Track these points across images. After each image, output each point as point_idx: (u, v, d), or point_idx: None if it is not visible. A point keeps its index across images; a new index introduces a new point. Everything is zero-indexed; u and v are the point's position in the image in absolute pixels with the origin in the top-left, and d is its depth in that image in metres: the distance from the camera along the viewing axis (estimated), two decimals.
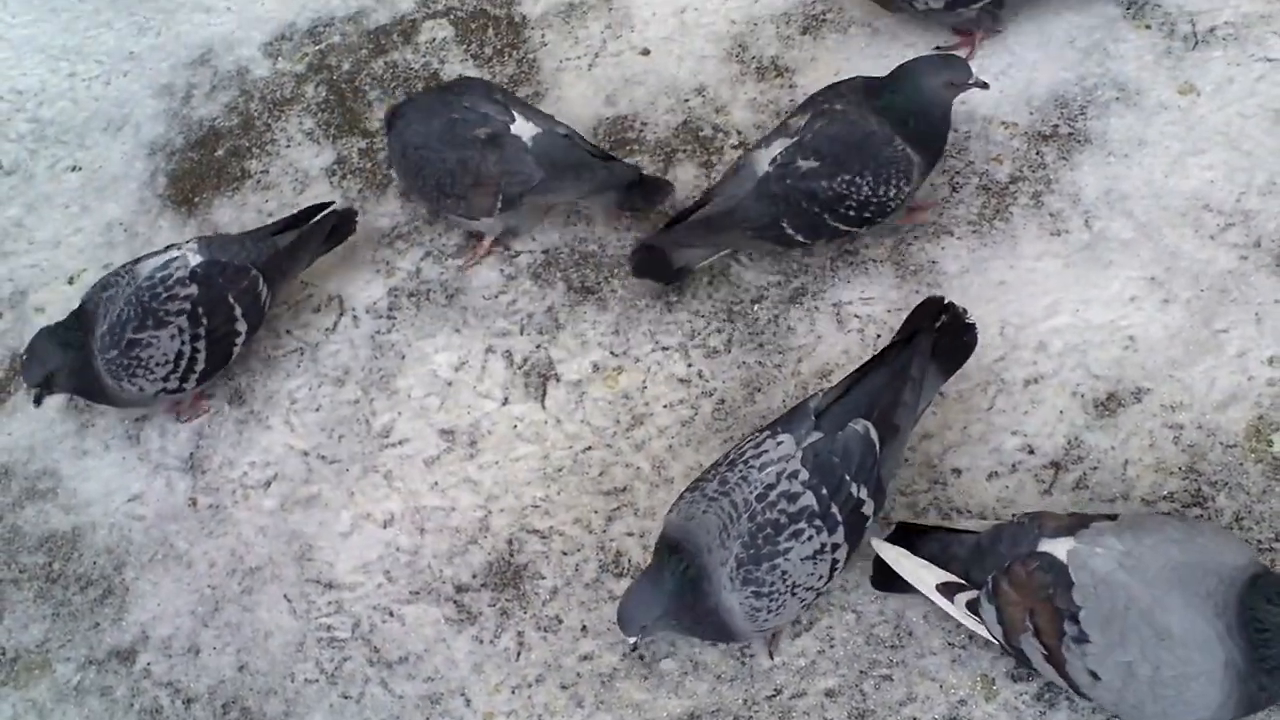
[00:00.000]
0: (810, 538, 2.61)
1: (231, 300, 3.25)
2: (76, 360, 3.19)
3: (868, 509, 2.68)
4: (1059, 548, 2.47)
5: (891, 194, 3.14)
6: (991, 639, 2.60)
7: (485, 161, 3.31)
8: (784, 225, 3.17)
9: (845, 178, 3.11)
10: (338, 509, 3.22)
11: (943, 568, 2.64)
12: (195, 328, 3.21)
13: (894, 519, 2.88)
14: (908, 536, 2.73)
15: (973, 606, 2.58)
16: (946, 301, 2.86)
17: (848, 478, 2.64)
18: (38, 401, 3.26)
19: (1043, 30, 3.58)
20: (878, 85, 3.20)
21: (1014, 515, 2.72)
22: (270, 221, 3.51)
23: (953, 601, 2.62)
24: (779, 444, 2.67)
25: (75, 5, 4.42)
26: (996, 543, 2.59)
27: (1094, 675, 2.42)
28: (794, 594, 2.64)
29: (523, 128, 3.33)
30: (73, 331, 3.21)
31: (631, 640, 2.67)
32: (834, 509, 2.62)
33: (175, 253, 3.25)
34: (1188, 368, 3.02)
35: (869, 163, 3.11)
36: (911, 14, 3.61)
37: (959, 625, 2.76)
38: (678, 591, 2.61)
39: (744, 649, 2.85)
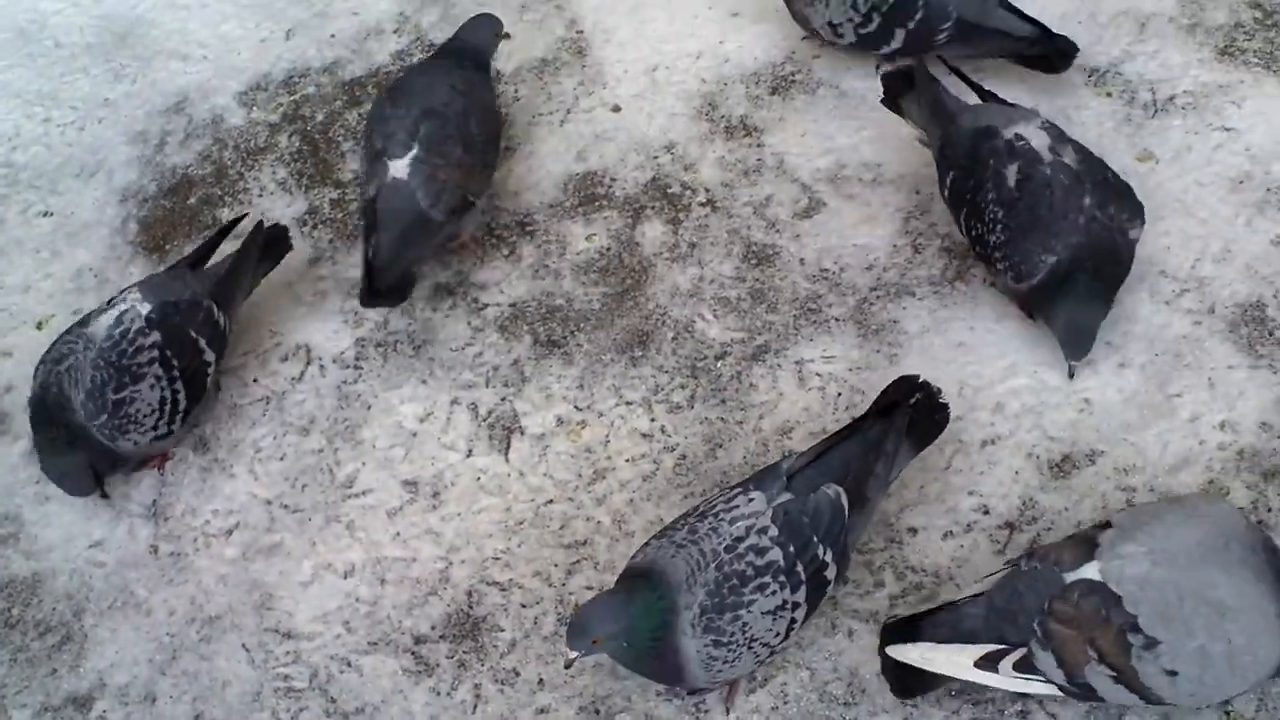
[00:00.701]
0: (774, 592, 2.64)
1: (194, 334, 3.28)
2: (83, 444, 3.20)
3: (830, 573, 2.72)
4: (1089, 571, 2.52)
5: None
6: (1048, 688, 2.60)
7: None
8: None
9: None
10: (299, 558, 3.23)
11: (969, 643, 2.64)
12: (169, 371, 3.24)
13: (886, 616, 2.86)
14: (911, 631, 2.71)
15: (1023, 665, 2.59)
16: (921, 380, 2.92)
17: (815, 539, 2.68)
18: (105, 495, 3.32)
19: (1007, 95, 3.62)
20: None
21: (1007, 563, 2.74)
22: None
23: (998, 671, 2.61)
24: (750, 500, 2.71)
25: (52, 51, 4.45)
26: (1017, 596, 2.61)
27: (1171, 674, 2.47)
28: (750, 648, 2.66)
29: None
30: (58, 428, 3.20)
31: (574, 654, 2.64)
32: (799, 568, 2.66)
33: (123, 305, 3.26)
34: (1141, 431, 3.06)
35: None
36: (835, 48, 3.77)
37: None
38: (644, 614, 2.61)
39: (699, 705, 2.87)
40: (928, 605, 2.85)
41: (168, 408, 3.26)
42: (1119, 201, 3.10)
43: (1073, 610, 2.53)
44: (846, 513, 2.72)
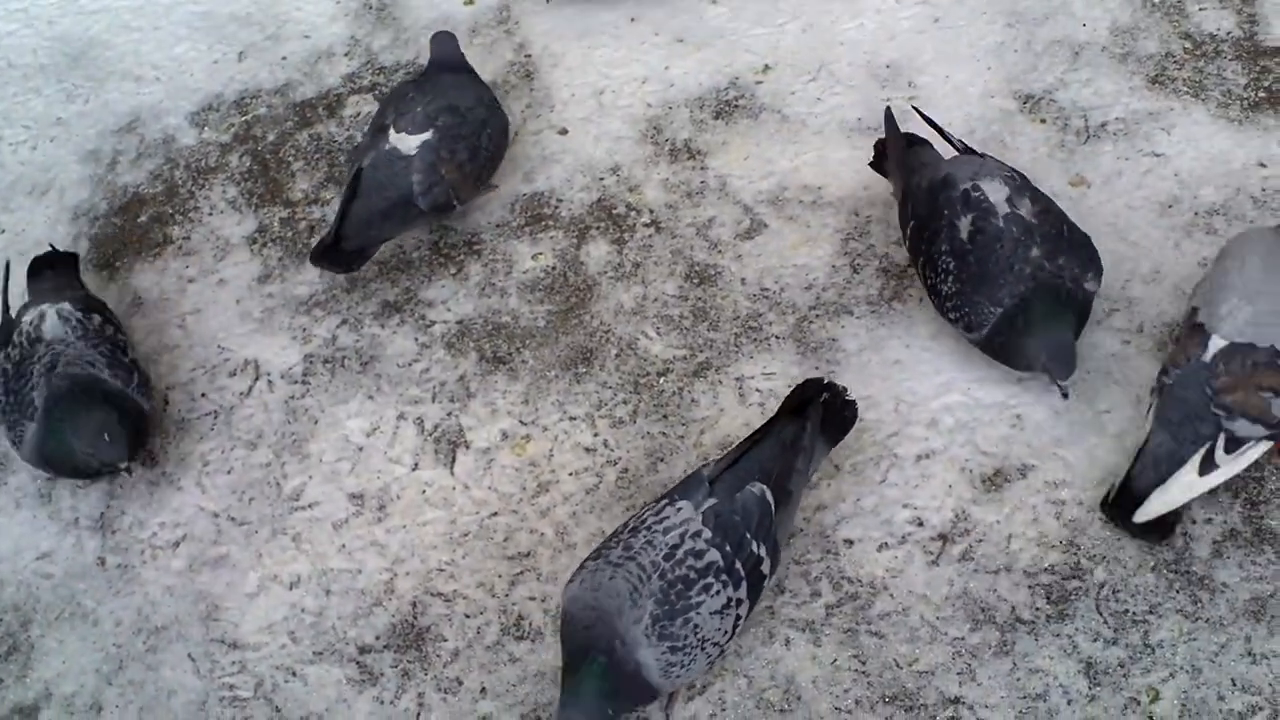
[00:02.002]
0: (718, 592, 2.71)
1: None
2: (131, 410, 3.34)
3: (765, 567, 2.80)
4: (1215, 345, 2.92)
5: None
6: (1260, 447, 2.88)
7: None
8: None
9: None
10: (245, 570, 3.27)
11: (1182, 464, 2.88)
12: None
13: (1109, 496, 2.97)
14: (1132, 494, 2.94)
15: (1231, 444, 2.86)
16: (827, 381, 3.02)
17: (748, 535, 2.77)
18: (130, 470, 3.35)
19: (943, 121, 3.71)
20: None
21: (1151, 392, 3.05)
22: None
23: (1219, 464, 2.87)
24: (679, 510, 2.78)
25: (5, 71, 4.48)
26: (1182, 403, 2.92)
27: None
28: (703, 649, 2.72)
29: None
30: (100, 407, 3.27)
31: None
32: (738, 564, 2.74)
33: (43, 308, 3.43)
34: (1071, 446, 3.14)
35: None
36: None
37: (846, 690, 2.86)
38: (604, 695, 2.65)
39: (639, 714, 2.92)
40: (863, 612, 2.94)
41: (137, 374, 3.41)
42: (1073, 254, 3.12)
43: (1229, 377, 2.87)
44: (773, 508, 2.81)
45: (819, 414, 2.98)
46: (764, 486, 2.82)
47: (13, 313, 3.52)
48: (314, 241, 3.80)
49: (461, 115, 3.64)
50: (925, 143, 3.49)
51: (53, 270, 3.68)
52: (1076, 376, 3.11)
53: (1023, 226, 3.13)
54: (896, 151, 3.44)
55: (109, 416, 3.25)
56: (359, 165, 3.58)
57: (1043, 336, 3.06)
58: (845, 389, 3.05)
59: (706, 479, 2.84)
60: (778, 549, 2.85)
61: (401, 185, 3.54)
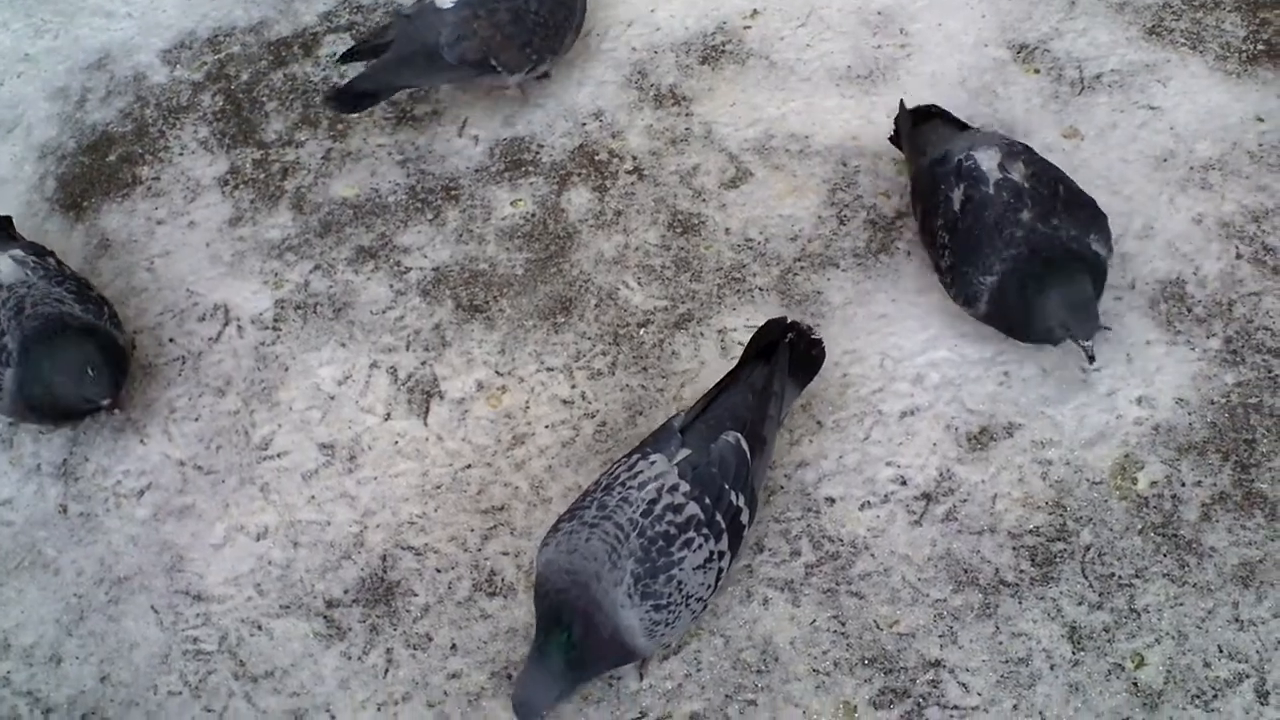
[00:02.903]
0: (699, 546, 2.64)
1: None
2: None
3: (744, 517, 2.74)
4: None
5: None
6: None
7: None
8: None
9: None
10: (211, 520, 3.18)
11: None
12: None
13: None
14: None
15: None
16: (790, 320, 2.94)
17: (727, 486, 2.69)
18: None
19: (935, 70, 3.64)
20: None
21: None
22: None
23: None
24: (652, 463, 2.70)
25: None
26: None
27: None
28: (687, 605, 2.66)
29: None
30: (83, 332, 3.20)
31: None
32: (718, 517, 2.67)
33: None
34: (1059, 405, 3.07)
35: None
36: None
37: (825, 651, 2.79)
38: (569, 664, 2.60)
39: (613, 674, 2.85)
40: (843, 572, 2.87)
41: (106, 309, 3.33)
42: (1069, 214, 2.99)
43: None
44: (749, 456, 2.74)
45: (786, 356, 2.90)
46: (738, 435, 2.75)
47: None
48: (287, 184, 3.71)
49: None
50: (940, 115, 3.36)
51: None
52: (1101, 338, 3.01)
53: (1013, 190, 3.02)
54: (906, 132, 3.34)
55: (90, 350, 3.15)
56: (405, 17, 3.59)
57: (1054, 295, 2.91)
58: (810, 328, 2.98)
59: (677, 429, 2.77)
60: (755, 498, 2.79)
61: (429, 36, 3.51)
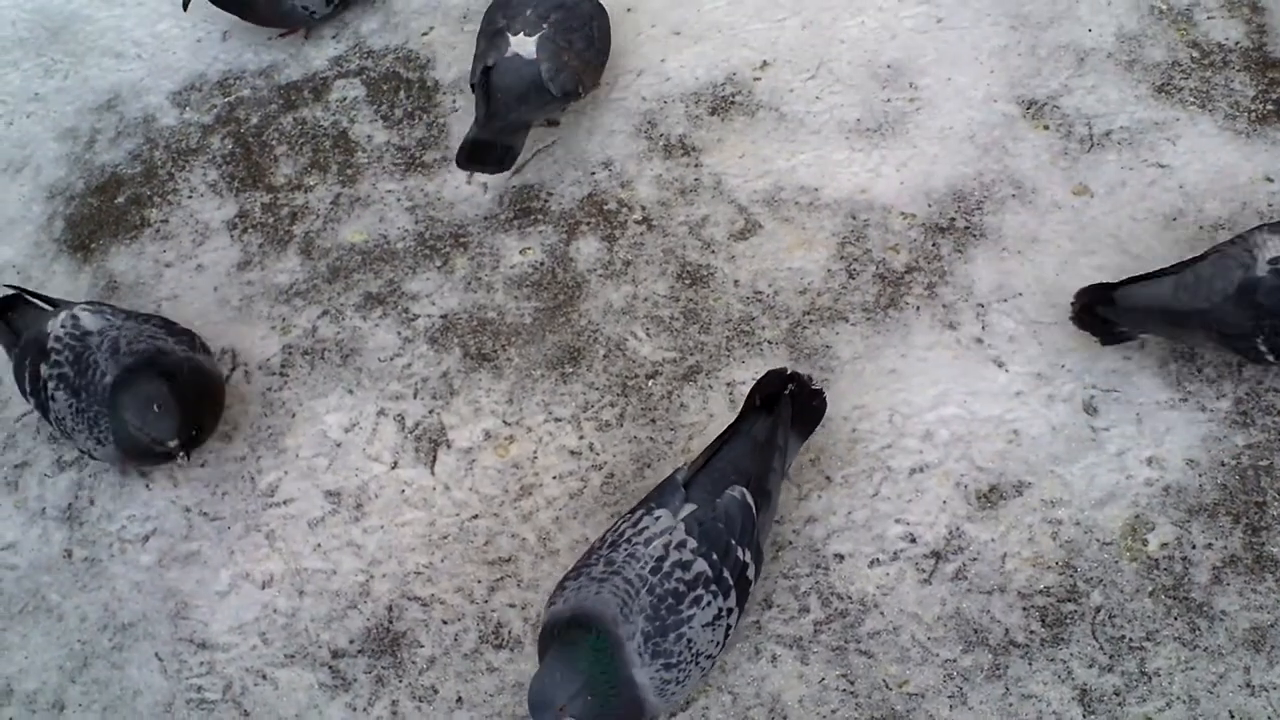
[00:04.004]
0: (708, 603, 2.62)
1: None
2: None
3: (750, 573, 2.72)
4: None
5: None
6: None
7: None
8: (1259, 342, 2.92)
9: None
10: (216, 567, 3.17)
11: None
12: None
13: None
14: None
15: None
16: (790, 371, 2.95)
17: (733, 542, 2.68)
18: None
19: (944, 125, 3.65)
20: None
21: None
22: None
23: None
24: (657, 519, 2.69)
25: None
26: None
27: None
28: (697, 663, 2.63)
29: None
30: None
31: None
32: (726, 573, 2.66)
33: (61, 313, 3.24)
34: (1069, 464, 3.07)
35: None
36: None
37: (834, 710, 2.78)
38: (593, 660, 2.53)
39: None
40: (852, 630, 2.86)
41: None
42: None
43: None
44: (755, 511, 2.73)
45: (789, 409, 2.90)
46: (744, 490, 2.74)
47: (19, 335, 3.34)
48: (295, 229, 3.71)
49: (569, 8, 3.69)
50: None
51: (16, 306, 3.42)
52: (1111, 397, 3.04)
53: None
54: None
55: (157, 388, 3.04)
56: (485, 66, 3.59)
57: None
58: (811, 378, 2.98)
59: (681, 483, 2.76)
60: (761, 553, 2.78)
61: (530, 75, 3.56)
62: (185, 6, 4.02)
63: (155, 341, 3.16)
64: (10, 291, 3.41)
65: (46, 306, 3.33)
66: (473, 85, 3.63)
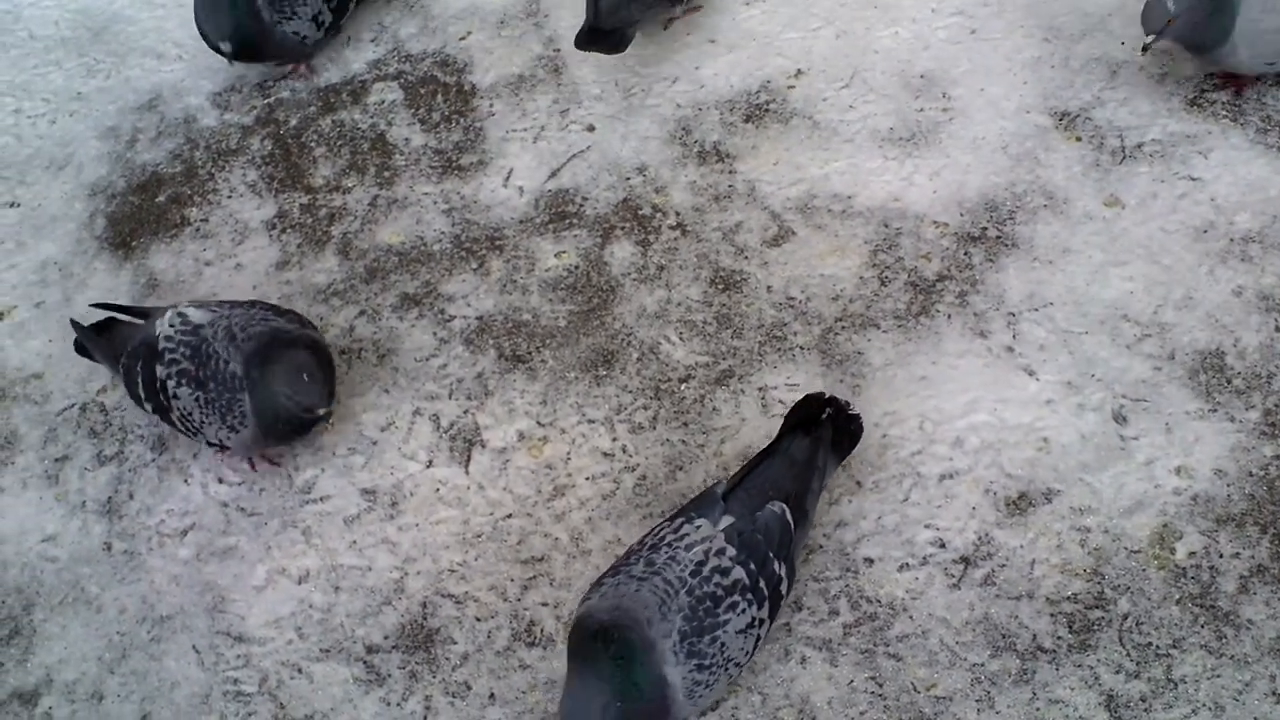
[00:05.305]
0: (743, 610, 2.67)
1: None
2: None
3: (784, 587, 2.77)
4: None
5: None
6: None
7: None
8: None
9: None
10: (253, 562, 3.22)
11: None
12: None
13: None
14: None
15: None
16: (829, 396, 2.99)
17: (771, 555, 2.73)
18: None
19: (977, 135, 3.68)
20: None
21: None
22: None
23: None
24: (698, 527, 2.74)
25: (26, 42, 4.44)
26: None
27: None
28: (726, 669, 2.68)
29: None
30: None
31: None
32: (762, 584, 2.70)
33: (166, 312, 3.27)
34: (1098, 472, 3.09)
35: None
36: None
37: (862, 713, 2.81)
38: (616, 674, 2.57)
39: None
40: (881, 633, 2.90)
41: None
42: None
43: None
44: (793, 528, 2.77)
45: (829, 432, 2.95)
46: (784, 506, 2.78)
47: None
48: (333, 230, 3.76)
49: None
50: None
51: (104, 328, 3.44)
52: (1140, 407, 3.04)
53: None
54: None
55: (304, 357, 3.12)
56: None
57: None
58: (848, 403, 3.02)
59: (720, 496, 2.80)
60: (794, 568, 2.82)
61: None
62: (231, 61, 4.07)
63: (269, 323, 3.20)
64: (104, 316, 3.44)
65: (137, 320, 3.36)
66: None
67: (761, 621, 2.71)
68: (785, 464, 2.87)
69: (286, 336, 3.17)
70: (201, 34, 3.98)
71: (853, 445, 3.05)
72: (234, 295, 3.67)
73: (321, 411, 3.14)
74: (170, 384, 3.16)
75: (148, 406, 3.26)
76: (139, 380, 3.22)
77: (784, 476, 2.84)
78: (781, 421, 3.04)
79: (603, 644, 2.59)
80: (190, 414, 3.17)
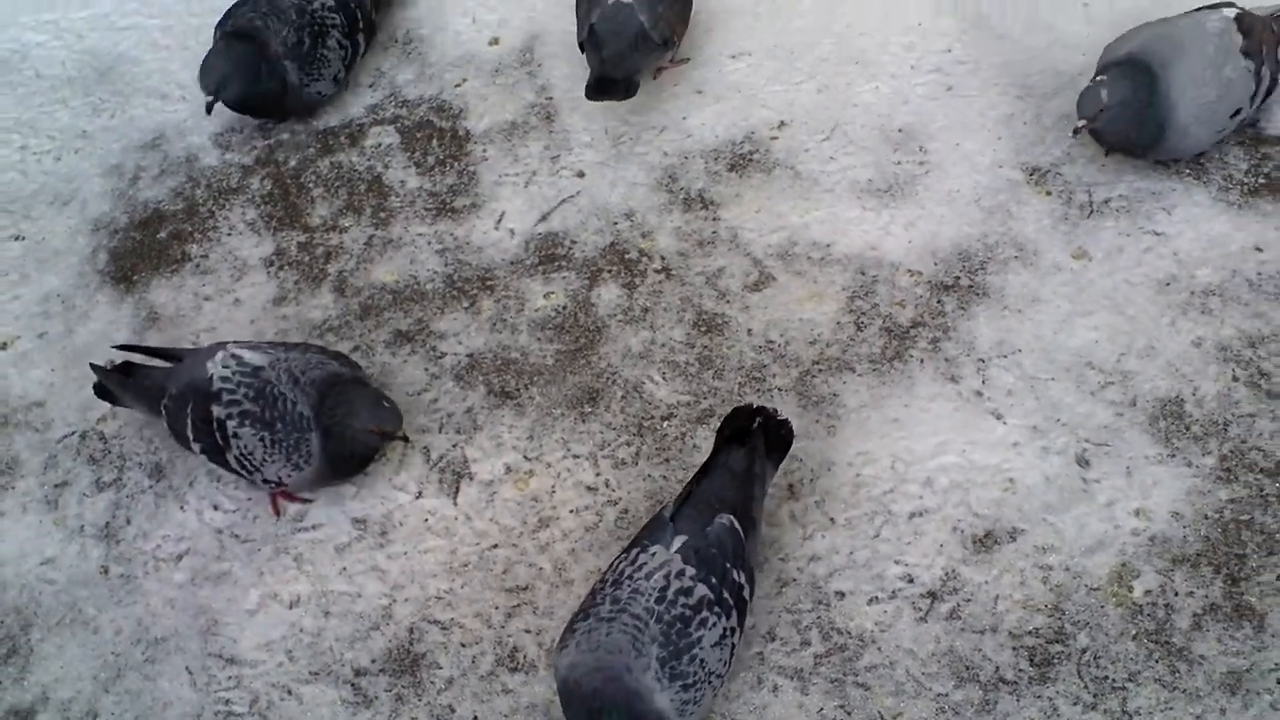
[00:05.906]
0: (714, 624, 2.79)
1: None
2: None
3: (746, 592, 2.91)
4: None
5: None
6: None
7: None
8: None
9: None
10: (246, 587, 3.33)
11: None
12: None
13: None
14: None
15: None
16: (757, 406, 3.14)
17: (728, 565, 2.86)
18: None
19: (952, 188, 3.82)
20: None
21: None
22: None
23: None
24: (653, 554, 2.87)
25: (33, 81, 4.56)
26: None
27: None
28: (709, 682, 2.79)
29: None
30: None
31: None
32: (725, 594, 2.84)
33: (217, 354, 3.36)
34: (1061, 513, 3.22)
35: None
36: None
37: None
38: None
39: None
40: (850, 664, 3.01)
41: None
42: None
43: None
44: (743, 536, 2.92)
45: (762, 440, 3.09)
46: (731, 517, 2.93)
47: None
48: (330, 267, 3.88)
49: None
50: None
51: (132, 370, 3.53)
52: (1102, 451, 3.17)
53: None
54: None
55: (374, 390, 3.38)
56: (590, 23, 4.00)
57: None
58: (775, 410, 3.17)
59: (668, 518, 2.94)
60: (752, 575, 2.95)
61: (633, 25, 3.97)
62: (209, 111, 4.11)
63: (326, 366, 3.34)
64: (122, 358, 3.55)
65: (165, 362, 3.47)
66: (581, 45, 4.08)
67: (733, 630, 2.83)
68: (726, 476, 3.02)
69: (343, 379, 3.34)
70: (216, 96, 4.11)
71: (786, 450, 3.20)
72: (232, 329, 3.79)
73: (400, 434, 3.33)
74: (231, 424, 3.26)
75: (195, 447, 3.35)
76: (189, 422, 3.31)
77: (726, 488, 2.99)
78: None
79: (600, 713, 2.72)
80: (252, 453, 3.27)
